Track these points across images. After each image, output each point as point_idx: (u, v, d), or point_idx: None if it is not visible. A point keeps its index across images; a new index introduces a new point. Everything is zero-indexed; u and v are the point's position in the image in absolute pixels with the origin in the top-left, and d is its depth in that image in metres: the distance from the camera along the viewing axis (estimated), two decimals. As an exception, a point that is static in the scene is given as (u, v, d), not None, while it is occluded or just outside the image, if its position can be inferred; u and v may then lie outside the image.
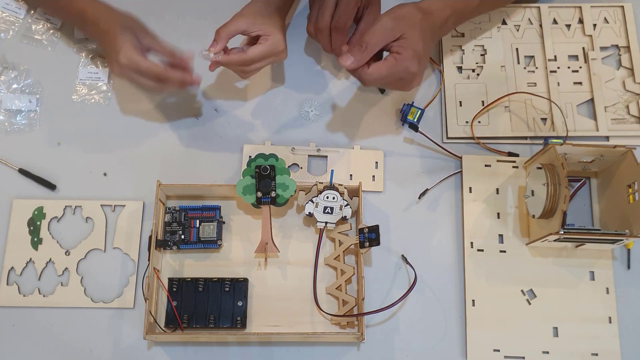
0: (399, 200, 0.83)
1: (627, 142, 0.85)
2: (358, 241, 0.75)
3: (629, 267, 0.80)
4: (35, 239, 0.81)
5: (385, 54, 0.76)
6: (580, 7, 0.92)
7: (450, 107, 0.87)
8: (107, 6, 0.80)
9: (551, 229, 0.73)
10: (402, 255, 0.80)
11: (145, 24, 0.80)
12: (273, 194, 0.77)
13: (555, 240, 0.74)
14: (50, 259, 0.80)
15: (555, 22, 0.91)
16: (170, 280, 0.78)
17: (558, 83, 0.88)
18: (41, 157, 0.85)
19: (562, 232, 0.71)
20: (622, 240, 0.73)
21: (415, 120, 0.83)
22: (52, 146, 0.86)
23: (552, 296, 0.78)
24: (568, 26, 0.91)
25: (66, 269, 0.80)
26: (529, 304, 0.78)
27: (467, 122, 0.86)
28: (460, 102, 0.87)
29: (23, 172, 0.83)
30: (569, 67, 0.89)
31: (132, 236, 0.81)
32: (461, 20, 0.84)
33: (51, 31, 0.91)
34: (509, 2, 0.91)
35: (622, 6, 0.91)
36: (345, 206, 0.78)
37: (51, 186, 0.83)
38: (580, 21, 0.91)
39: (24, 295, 0.79)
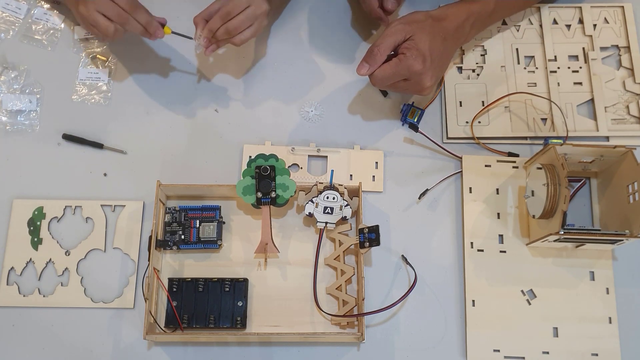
0: (399, 200, 0.83)
1: (627, 142, 0.85)
2: (358, 241, 0.75)
3: None
4: (35, 239, 0.81)
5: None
6: (580, 7, 0.92)
7: (450, 108, 0.87)
8: None
9: (551, 229, 0.73)
10: (402, 256, 0.80)
11: None
12: (273, 195, 0.77)
13: (555, 241, 0.74)
14: (50, 259, 0.80)
15: (555, 22, 0.91)
16: (170, 280, 0.78)
17: (558, 83, 0.88)
18: (41, 157, 0.85)
19: (562, 232, 0.71)
20: (622, 240, 0.73)
21: (416, 120, 0.83)
22: (52, 146, 0.86)
23: (552, 296, 0.78)
24: (568, 26, 0.91)
25: (66, 269, 0.80)
26: (529, 304, 0.78)
27: (467, 122, 0.86)
28: (460, 102, 0.87)
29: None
30: (569, 67, 0.89)
31: (132, 236, 0.81)
32: (481, 25, 0.85)
33: (51, 31, 0.91)
34: (532, 4, 0.91)
35: (622, 6, 0.91)
36: (345, 206, 0.78)
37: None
38: (581, 21, 0.91)
39: (24, 296, 0.79)
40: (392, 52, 0.78)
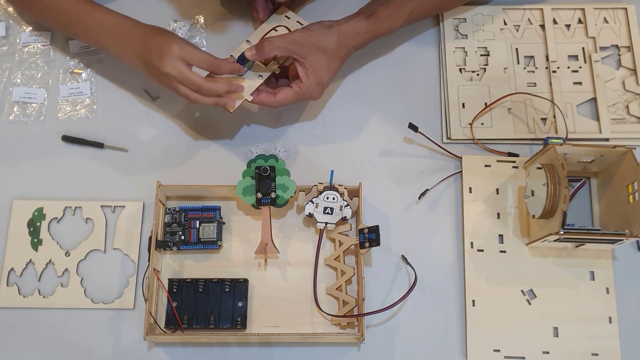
0: (399, 200, 0.83)
1: (627, 142, 0.85)
2: (358, 242, 0.75)
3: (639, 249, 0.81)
4: (35, 240, 0.81)
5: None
6: (583, 9, 0.91)
7: (453, 109, 0.87)
8: (137, 20, 0.79)
9: (551, 229, 0.73)
10: (402, 256, 0.80)
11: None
12: (273, 195, 0.77)
13: (555, 240, 0.74)
14: (50, 260, 0.80)
15: (555, 22, 0.91)
16: (170, 281, 0.78)
17: (558, 83, 0.88)
18: (41, 158, 0.85)
19: (562, 232, 0.71)
20: (622, 240, 0.73)
21: (239, 57, 0.79)
22: (52, 147, 0.86)
23: (552, 296, 0.78)
24: (568, 26, 0.91)
25: (66, 269, 0.80)
26: (529, 304, 0.78)
27: (469, 123, 0.86)
28: (463, 104, 0.87)
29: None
30: (568, 67, 0.89)
31: (132, 237, 0.81)
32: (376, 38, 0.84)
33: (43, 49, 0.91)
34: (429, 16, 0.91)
35: (625, 8, 0.91)
36: (345, 206, 0.78)
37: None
38: (580, 21, 0.91)
39: (24, 297, 0.79)
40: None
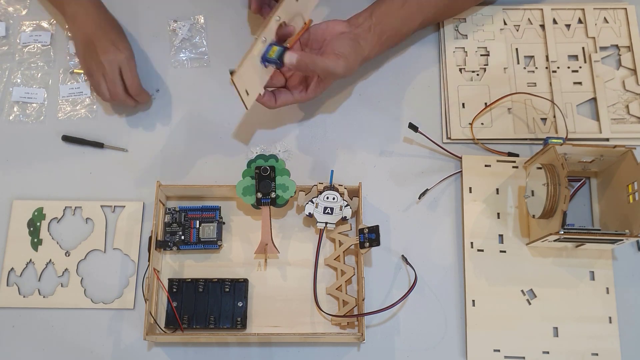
0: (399, 200, 0.83)
1: (627, 142, 0.85)
2: (358, 241, 0.75)
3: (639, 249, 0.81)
4: (35, 240, 0.81)
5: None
6: (583, 9, 0.91)
7: (453, 109, 0.87)
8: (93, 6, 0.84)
9: (551, 229, 0.73)
10: (402, 256, 0.80)
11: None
12: (273, 195, 0.77)
13: (555, 240, 0.74)
14: (50, 260, 0.80)
15: (555, 22, 0.91)
16: (170, 280, 0.78)
17: (558, 83, 0.88)
18: (41, 158, 0.85)
19: (562, 232, 0.71)
20: (622, 240, 0.73)
21: (276, 58, 0.75)
22: (52, 147, 0.86)
23: (552, 296, 0.78)
24: (568, 26, 0.91)
25: (66, 269, 0.80)
26: (529, 304, 0.78)
27: (469, 123, 0.86)
28: (463, 104, 0.87)
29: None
30: (568, 67, 0.89)
31: (132, 237, 0.81)
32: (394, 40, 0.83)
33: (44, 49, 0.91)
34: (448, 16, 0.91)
35: (625, 8, 0.91)
36: (345, 206, 0.78)
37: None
38: (580, 21, 0.91)
39: (24, 296, 0.79)
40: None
